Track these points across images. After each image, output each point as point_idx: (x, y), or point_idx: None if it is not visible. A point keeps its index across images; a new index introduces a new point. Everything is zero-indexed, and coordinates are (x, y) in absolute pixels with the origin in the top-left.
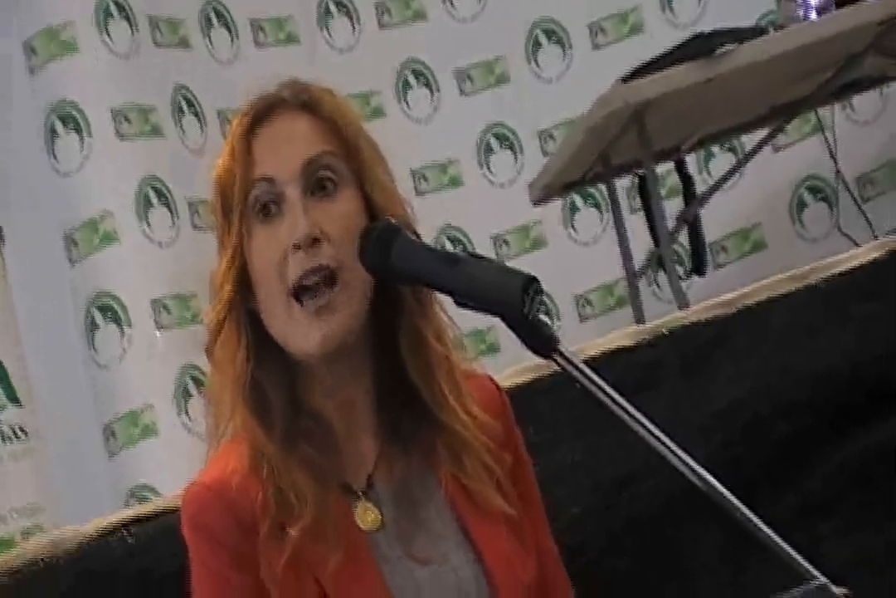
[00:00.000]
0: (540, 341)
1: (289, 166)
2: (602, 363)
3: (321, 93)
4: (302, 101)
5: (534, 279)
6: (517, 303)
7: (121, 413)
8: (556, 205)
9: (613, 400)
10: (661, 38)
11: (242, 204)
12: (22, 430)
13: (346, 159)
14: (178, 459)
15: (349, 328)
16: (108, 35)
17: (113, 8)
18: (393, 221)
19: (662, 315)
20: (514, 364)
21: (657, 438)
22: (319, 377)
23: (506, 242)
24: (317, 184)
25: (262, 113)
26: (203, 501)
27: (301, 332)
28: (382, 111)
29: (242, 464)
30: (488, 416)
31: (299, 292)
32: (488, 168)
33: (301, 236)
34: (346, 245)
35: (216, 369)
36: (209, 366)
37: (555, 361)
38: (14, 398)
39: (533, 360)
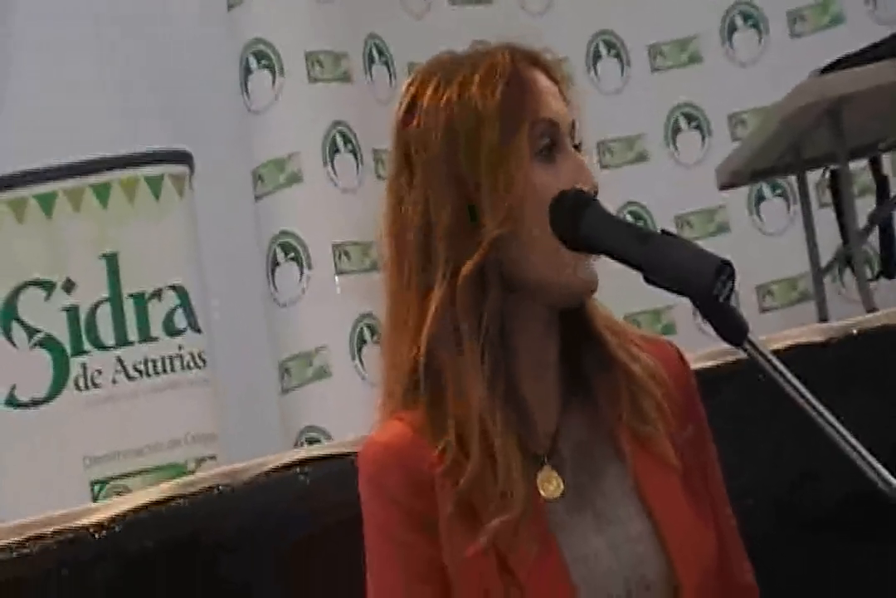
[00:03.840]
0: (731, 327)
1: (567, 117)
2: (788, 357)
3: (553, 56)
4: (544, 61)
5: (728, 264)
6: (709, 286)
7: (296, 352)
8: (742, 191)
9: (801, 394)
10: (861, 31)
11: (526, 136)
12: (201, 358)
13: None
14: (348, 403)
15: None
16: None
17: None
18: (585, 190)
19: (845, 314)
20: (689, 345)
21: (843, 436)
22: (522, 335)
23: (689, 223)
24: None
25: (520, 58)
26: (381, 460)
27: (568, 272)
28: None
29: (416, 428)
30: (668, 378)
31: None
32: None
33: (592, 184)
34: None
35: (434, 320)
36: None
37: (744, 349)
38: (195, 326)
39: (711, 344)
